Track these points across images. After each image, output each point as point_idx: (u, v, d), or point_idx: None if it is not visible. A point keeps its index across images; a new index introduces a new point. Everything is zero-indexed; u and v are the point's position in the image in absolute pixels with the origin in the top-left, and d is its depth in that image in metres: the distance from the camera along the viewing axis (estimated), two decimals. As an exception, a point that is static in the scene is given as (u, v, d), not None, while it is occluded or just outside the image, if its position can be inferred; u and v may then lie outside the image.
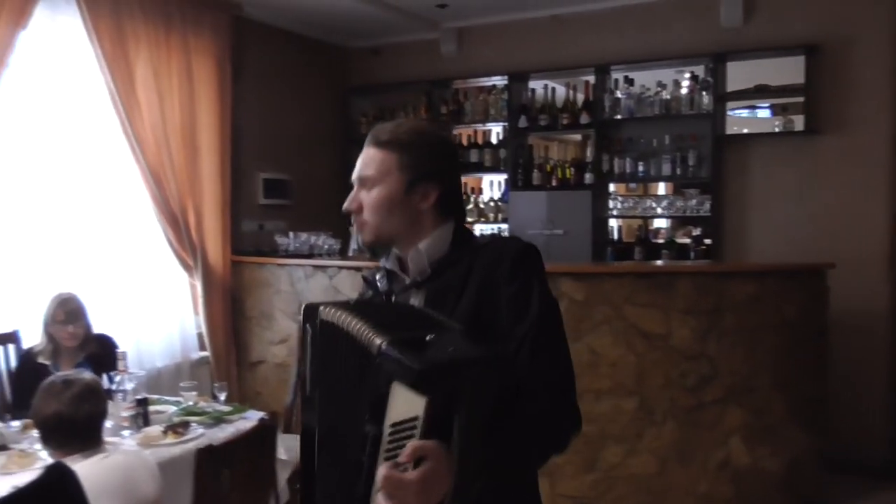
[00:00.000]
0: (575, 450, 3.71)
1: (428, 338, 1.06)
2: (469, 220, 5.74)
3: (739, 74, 4.70)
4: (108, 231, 4.24)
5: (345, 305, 1.18)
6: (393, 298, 1.39)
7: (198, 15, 4.62)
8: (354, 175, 1.41)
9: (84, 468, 1.92)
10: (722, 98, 4.75)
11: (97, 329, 3.44)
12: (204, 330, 4.72)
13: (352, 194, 1.40)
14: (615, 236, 5.31)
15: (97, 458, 2.07)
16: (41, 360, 3.23)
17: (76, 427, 2.08)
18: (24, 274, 3.83)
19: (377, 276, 1.44)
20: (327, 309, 1.19)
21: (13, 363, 3.54)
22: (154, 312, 4.48)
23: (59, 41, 3.98)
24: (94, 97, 4.12)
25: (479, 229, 5.94)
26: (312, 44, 5.76)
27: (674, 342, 3.66)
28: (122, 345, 3.50)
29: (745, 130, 4.80)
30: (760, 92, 4.68)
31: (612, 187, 5.26)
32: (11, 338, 3.62)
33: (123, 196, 4.31)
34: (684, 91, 4.92)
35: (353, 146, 6.01)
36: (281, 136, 5.43)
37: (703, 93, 4.81)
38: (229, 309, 4.84)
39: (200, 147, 4.63)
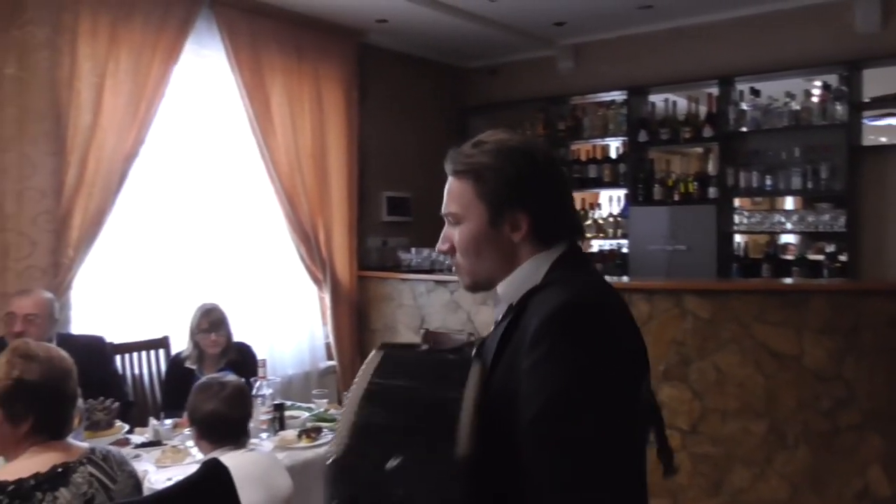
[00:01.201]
0: (700, 471, 3.62)
1: (388, 465, 0.93)
2: (588, 236, 5.71)
3: (876, 82, 4.46)
4: (247, 247, 4.55)
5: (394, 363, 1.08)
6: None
7: (327, 44, 4.89)
8: (442, 210, 1.22)
9: (231, 459, 2.08)
10: (857, 107, 4.52)
11: (237, 338, 3.68)
12: (332, 340, 4.95)
13: (443, 232, 1.22)
14: (741, 252, 5.13)
15: (241, 451, 2.25)
16: (188, 364, 3.49)
17: (229, 424, 2.27)
18: (173, 285, 4.16)
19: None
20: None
21: (163, 366, 3.86)
22: (286, 323, 4.75)
23: (205, 73, 4.33)
24: (234, 123, 4.44)
25: (598, 245, 5.91)
26: (432, 66, 5.95)
27: (807, 363, 3.50)
28: (258, 353, 3.74)
29: (884, 140, 4.54)
30: (901, 99, 4.43)
31: (736, 202, 5.10)
32: (163, 343, 3.95)
33: (260, 215, 4.61)
34: (815, 101, 4.72)
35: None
36: (402, 155, 5.62)
37: (837, 102, 4.59)
38: (355, 321, 5.05)
39: (330, 168, 4.89)
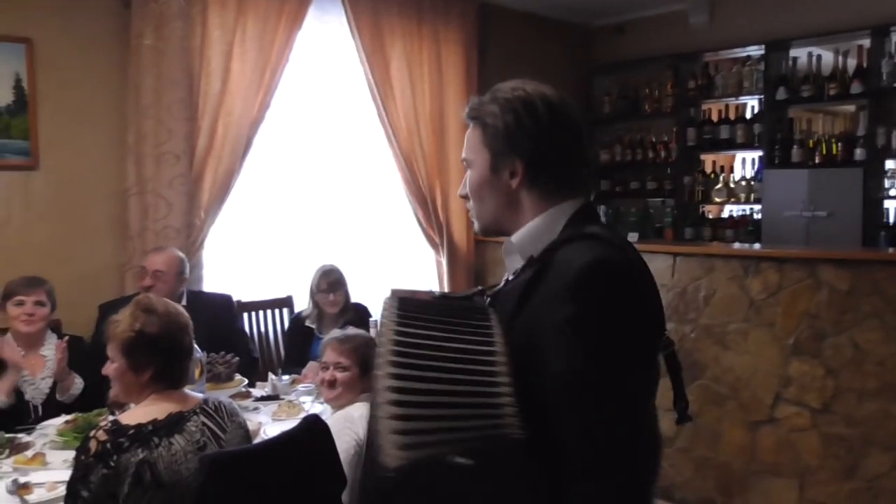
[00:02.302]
0: (832, 453, 3.38)
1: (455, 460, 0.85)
2: (718, 200, 5.42)
3: None
4: (368, 210, 4.66)
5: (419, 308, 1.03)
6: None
7: (447, 5, 4.85)
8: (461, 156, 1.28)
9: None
10: None
11: (356, 298, 3.78)
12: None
13: (465, 178, 1.27)
14: (891, 220, 4.69)
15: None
16: (308, 323, 3.63)
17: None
18: (297, 247, 4.33)
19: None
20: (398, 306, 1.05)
21: (286, 324, 4.04)
22: (404, 285, 4.83)
23: (327, 39, 4.41)
24: (355, 88, 4.52)
25: (730, 210, 5.59)
26: (555, 25, 5.77)
27: (959, 342, 3.17)
28: (375, 314, 3.83)
29: None
30: None
31: (888, 164, 4.65)
32: (286, 302, 4.13)
33: (380, 178, 4.69)
34: None
35: (597, 126, 5.95)
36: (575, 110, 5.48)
37: None
38: (472, 284, 5.07)
39: (448, 132, 4.88)
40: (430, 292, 1.21)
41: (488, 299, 1.19)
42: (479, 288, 1.24)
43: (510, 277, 1.20)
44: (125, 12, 3.66)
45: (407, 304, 1.06)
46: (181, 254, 3.43)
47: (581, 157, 1.23)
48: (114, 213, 3.72)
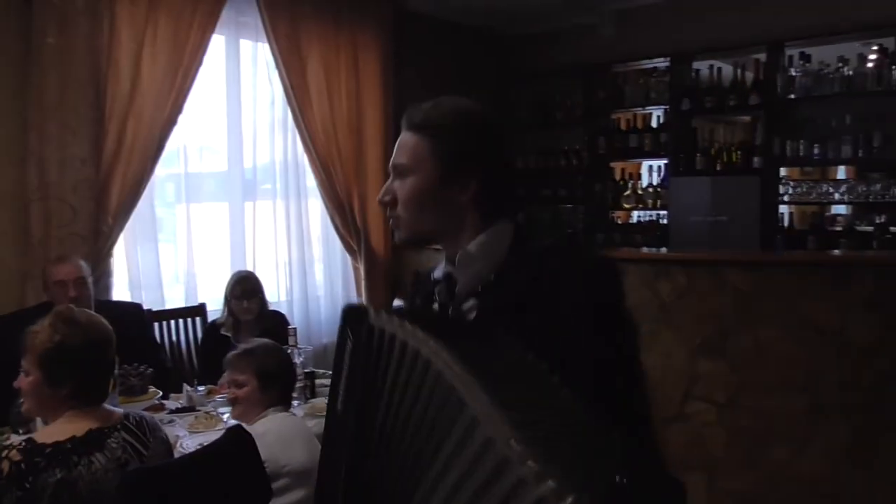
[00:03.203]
0: (737, 445, 3.56)
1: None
2: (627, 206, 5.61)
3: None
4: (285, 216, 4.57)
5: (412, 317, 0.90)
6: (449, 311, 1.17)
7: (365, 11, 4.84)
8: (391, 162, 1.24)
9: (283, 419, 2.26)
10: (915, 72, 4.32)
11: (273, 307, 3.71)
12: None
13: (387, 184, 1.23)
14: (786, 224, 4.99)
15: (289, 413, 2.38)
16: (223, 331, 3.54)
17: (288, 382, 2.48)
18: (211, 253, 4.22)
19: (436, 280, 1.22)
20: (386, 319, 0.91)
21: (199, 334, 3.92)
22: (322, 293, 4.78)
23: (244, 41, 4.33)
24: (270, 91, 4.45)
25: (638, 216, 5.80)
26: (472, 33, 5.84)
27: (851, 338, 3.40)
28: (293, 322, 3.77)
29: (942, 107, 4.34)
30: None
31: (783, 172, 4.94)
32: (199, 311, 4.01)
33: (298, 184, 4.62)
34: (870, 66, 4.52)
35: (513, 134, 6.06)
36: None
37: (894, 67, 4.39)
38: (390, 291, 5.06)
39: (366, 138, 4.86)
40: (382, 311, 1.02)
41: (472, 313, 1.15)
42: (439, 304, 1.20)
43: (478, 289, 1.16)
44: (26, 8, 3.47)
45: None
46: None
47: (514, 178, 1.26)
48: (14, 219, 3.51)
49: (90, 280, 3.22)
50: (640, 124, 5.58)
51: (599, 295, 1.11)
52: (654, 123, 5.58)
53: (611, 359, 1.10)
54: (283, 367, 2.46)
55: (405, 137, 1.22)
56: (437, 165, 1.18)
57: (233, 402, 2.46)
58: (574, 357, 0.99)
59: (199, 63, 3.93)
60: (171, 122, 3.83)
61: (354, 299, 4.98)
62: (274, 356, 2.45)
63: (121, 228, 3.70)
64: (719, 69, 5.14)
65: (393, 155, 1.23)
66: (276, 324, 3.59)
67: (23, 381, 1.73)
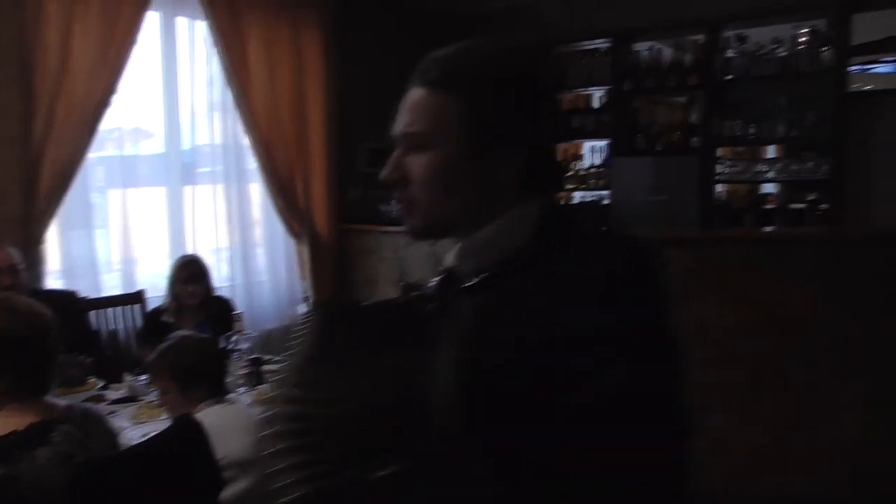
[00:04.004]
0: (680, 419, 3.65)
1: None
2: (570, 187, 5.66)
3: (866, 27, 4.40)
4: (225, 199, 4.45)
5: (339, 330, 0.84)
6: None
7: (305, -13, 4.72)
8: (395, 130, 0.96)
9: (213, 413, 2.06)
10: (845, 53, 4.46)
11: (219, 291, 3.63)
12: (311, 295, 4.90)
13: (393, 158, 0.96)
14: (722, 202, 5.12)
15: (225, 404, 2.23)
16: (165, 318, 3.44)
17: (215, 374, 2.25)
18: (150, 239, 4.08)
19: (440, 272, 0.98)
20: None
21: (139, 322, 3.80)
22: (266, 277, 4.69)
23: (180, 18, 4.18)
24: (210, 71, 4.31)
25: (580, 196, 5.86)
26: (414, 12, 5.77)
27: (787, 312, 3.51)
28: (238, 307, 3.69)
29: (870, 87, 4.50)
30: (889, 44, 4.37)
31: (719, 151, 5.07)
32: (138, 298, 3.88)
33: (239, 166, 4.50)
34: (802, 47, 4.65)
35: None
36: (384, 105, 5.47)
37: (824, 48, 4.53)
38: (336, 275, 5.00)
39: (309, 119, 4.76)
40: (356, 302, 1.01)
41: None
42: (416, 294, 0.99)
43: (476, 282, 0.91)
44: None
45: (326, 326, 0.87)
46: (8, 247, 3.14)
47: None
48: (-65, 204, 3.32)
49: (22, 268, 3.07)
50: (582, 105, 5.62)
51: (620, 314, 0.83)
52: (595, 104, 5.63)
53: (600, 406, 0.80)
54: (204, 361, 2.21)
55: (420, 96, 0.93)
56: (471, 134, 0.90)
57: (161, 406, 2.34)
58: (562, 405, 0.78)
59: (133, 41, 3.77)
60: (104, 101, 3.67)
61: (298, 284, 4.90)
62: (190, 352, 2.20)
63: (53, 213, 3.54)
64: (659, 50, 5.22)
65: (403, 121, 0.95)
66: (221, 309, 3.50)
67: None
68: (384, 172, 0.96)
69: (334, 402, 0.78)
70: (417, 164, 0.93)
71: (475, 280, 0.90)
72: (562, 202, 0.95)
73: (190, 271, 3.43)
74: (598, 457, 0.78)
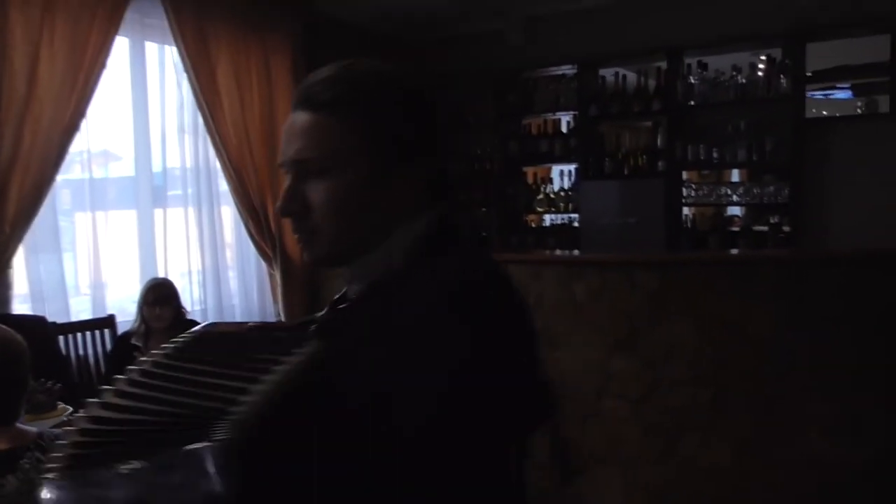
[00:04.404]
0: (649, 440, 3.70)
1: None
2: (540, 210, 5.74)
3: (820, 55, 4.56)
4: (196, 223, 4.44)
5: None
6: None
7: (274, 14, 4.76)
8: (285, 158, 0.93)
9: None
10: (801, 80, 4.62)
11: (191, 314, 3.61)
12: (283, 318, 4.88)
13: (288, 188, 0.92)
14: (689, 225, 5.23)
15: None
16: (134, 341, 3.41)
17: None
18: (120, 263, 4.05)
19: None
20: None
21: (109, 347, 3.75)
22: (236, 301, 4.67)
23: (149, 43, 4.18)
24: (180, 95, 4.32)
25: (550, 219, 5.94)
26: (381, 38, 5.85)
27: (752, 332, 3.59)
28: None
29: (825, 113, 4.66)
30: (842, 73, 4.53)
31: (684, 175, 5.18)
32: (109, 323, 3.84)
33: (209, 189, 4.50)
34: (760, 74, 4.80)
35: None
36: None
37: (781, 76, 4.68)
38: (308, 298, 4.99)
39: (279, 141, 4.73)
40: (246, 324, 1.01)
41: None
42: (312, 316, 1.01)
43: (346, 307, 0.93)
44: None
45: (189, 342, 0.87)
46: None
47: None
48: None
49: (-12, 293, 3.04)
50: (550, 129, 5.71)
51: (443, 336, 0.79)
52: (563, 129, 5.73)
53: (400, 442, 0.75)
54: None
55: (310, 121, 0.90)
56: (371, 157, 0.89)
57: None
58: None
59: (102, 66, 3.77)
60: (72, 126, 3.65)
61: (271, 307, 4.89)
62: None
63: (20, 238, 3.50)
64: (624, 76, 5.34)
65: (294, 147, 0.91)
66: (190, 333, 3.48)
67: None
68: (280, 204, 0.93)
69: (140, 410, 0.78)
70: (318, 191, 0.90)
71: (347, 302, 0.91)
72: (448, 216, 0.91)
73: (158, 294, 3.42)
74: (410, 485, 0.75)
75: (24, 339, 2.53)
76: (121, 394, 0.81)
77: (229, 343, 0.92)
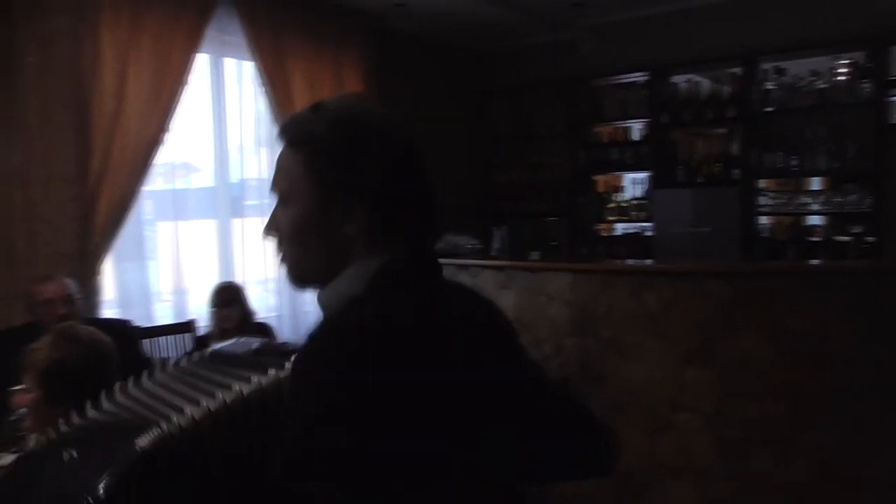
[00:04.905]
0: (720, 454, 3.61)
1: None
2: (610, 219, 5.67)
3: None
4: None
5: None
6: None
7: (347, 30, 4.89)
8: (270, 186, 1.03)
9: None
10: (884, 85, 4.44)
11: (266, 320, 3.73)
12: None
13: (272, 212, 1.02)
14: (765, 234, 5.08)
15: None
16: (210, 343, 3.55)
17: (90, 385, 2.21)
18: (200, 270, 4.23)
19: None
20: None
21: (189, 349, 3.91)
22: (311, 308, 4.79)
23: (228, 59, 4.36)
24: (257, 108, 4.48)
25: (622, 228, 5.87)
26: (450, 50, 5.91)
27: (831, 346, 3.46)
28: (284, 337, 3.78)
29: (912, 119, 4.46)
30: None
31: (761, 183, 5.04)
32: (188, 327, 4.00)
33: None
34: (841, 79, 4.64)
35: (493, 148, 6.12)
36: (421, 139, 5.57)
37: (863, 80, 4.51)
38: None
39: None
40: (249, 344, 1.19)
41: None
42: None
43: None
44: (9, 29, 3.46)
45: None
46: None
47: (428, 195, 1.01)
48: (-2, 239, 3.50)
49: (78, 298, 3.20)
50: (620, 138, 5.66)
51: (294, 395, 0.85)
52: (634, 137, 5.66)
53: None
54: (84, 365, 1.70)
55: (282, 155, 0.99)
56: (315, 190, 0.94)
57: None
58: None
59: (184, 82, 3.95)
60: (157, 140, 3.84)
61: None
62: (60, 363, 1.71)
63: (108, 246, 3.70)
64: (697, 82, 5.24)
65: (273, 178, 1.01)
66: (260, 334, 3.60)
67: (23, 399, 1.72)
68: (264, 227, 1.02)
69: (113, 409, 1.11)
70: (282, 219, 0.99)
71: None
72: (409, 255, 0.95)
73: (224, 297, 3.57)
74: None
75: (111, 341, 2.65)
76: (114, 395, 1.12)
77: (214, 364, 1.13)
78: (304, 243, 0.96)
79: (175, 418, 0.96)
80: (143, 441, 0.92)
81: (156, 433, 0.93)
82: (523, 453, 1.02)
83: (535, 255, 4.76)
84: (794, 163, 4.78)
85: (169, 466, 0.91)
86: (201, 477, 0.91)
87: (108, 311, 3.76)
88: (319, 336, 0.86)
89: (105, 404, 1.07)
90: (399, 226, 0.96)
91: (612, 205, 5.65)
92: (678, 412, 3.73)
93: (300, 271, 0.99)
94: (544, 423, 1.04)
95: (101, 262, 3.69)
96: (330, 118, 0.95)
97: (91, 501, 0.86)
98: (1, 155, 3.48)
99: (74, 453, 0.93)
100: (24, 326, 3.02)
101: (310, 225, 0.95)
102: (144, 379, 1.06)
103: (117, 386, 1.06)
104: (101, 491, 0.87)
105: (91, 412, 1.07)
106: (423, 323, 0.92)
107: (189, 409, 0.97)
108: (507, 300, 4.23)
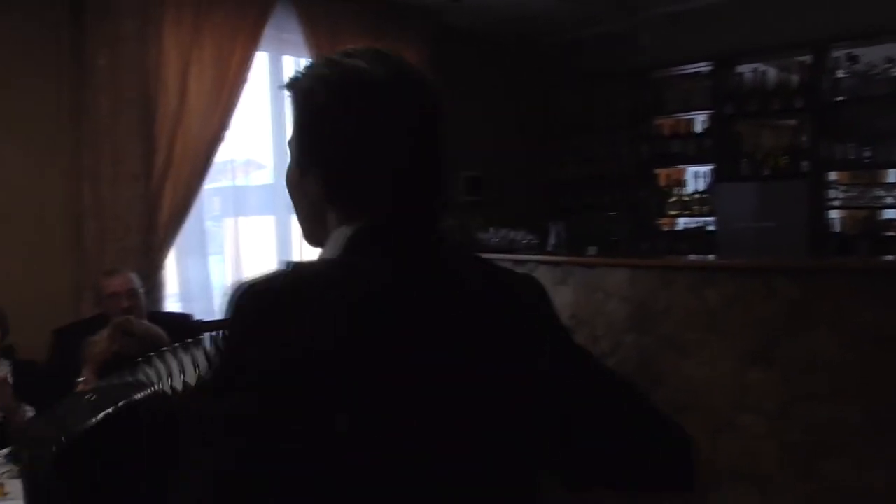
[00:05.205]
0: (789, 459, 3.48)
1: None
2: (672, 213, 5.54)
3: None
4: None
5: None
6: None
7: (404, 26, 4.89)
8: None
9: None
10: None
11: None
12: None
13: None
14: (836, 229, 4.87)
15: None
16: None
17: None
18: (259, 266, 4.30)
19: None
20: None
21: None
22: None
23: (287, 57, 4.43)
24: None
25: (684, 223, 5.72)
26: (508, 44, 5.86)
27: (906, 345, 3.30)
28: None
29: None
30: None
31: (832, 175, 4.84)
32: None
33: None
34: (919, 66, 4.42)
35: (553, 142, 6.06)
36: (477, 135, 5.56)
37: (944, 67, 4.28)
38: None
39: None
40: None
41: None
42: None
43: None
44: (79, 33, 3.60)
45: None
46: (131, 274, 3.38)
47: (420, 160, 0.90)
48: (69, 234, 3.63)
49: (142, 291, 3.31)
50: (682, 130, 5.52)
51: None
52: (697, 129, 5.52)
53: None
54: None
55: None
56: (299, 147, 0.90)
57: None
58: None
59: (244, 80, 4.03)
60: (218, 137, 3.93)
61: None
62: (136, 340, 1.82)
63: (171, 242, 3.80)
64: (763, 72, 5.06)
65: None
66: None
67: (84, 390, 1.78)
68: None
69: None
70: None
71: None
72: (390, 221, 0.84)
73: None
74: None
75: (171, 334, 2.73)
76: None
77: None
78: (293, 201, 0.94)
79: (171, 381, 0.98)
80: (138, 395, 0.96)
81: (149, 391, 0.97)
82: (568, 451, 0.96)
83: (592, 250, 4.68)
84: (867, 154, 4.57)
85: (151, 422, 0.93)
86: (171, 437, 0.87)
87: (171, 305, 3.86)
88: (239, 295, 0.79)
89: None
90: (379, 191, 0.86)
91: (673, 199, 5.52)
92: (740, 413, 3.61)
93: (306, 238, 0.96)
94: (600, 420, 0.99)
95: (165, 257, 3.80)
96: (314, 74, 0.88)
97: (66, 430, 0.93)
98: (72, 154, 3.61)
99: (94, 396, 1.00)
100: (92, 319, 3.13)
101: (292, 184, 0.92)
102: (180, 350, 1.07)
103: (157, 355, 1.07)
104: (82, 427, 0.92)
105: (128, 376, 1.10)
106: (381, 288, 0.81)
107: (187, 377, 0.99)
108: (563, 296, 4.18)
